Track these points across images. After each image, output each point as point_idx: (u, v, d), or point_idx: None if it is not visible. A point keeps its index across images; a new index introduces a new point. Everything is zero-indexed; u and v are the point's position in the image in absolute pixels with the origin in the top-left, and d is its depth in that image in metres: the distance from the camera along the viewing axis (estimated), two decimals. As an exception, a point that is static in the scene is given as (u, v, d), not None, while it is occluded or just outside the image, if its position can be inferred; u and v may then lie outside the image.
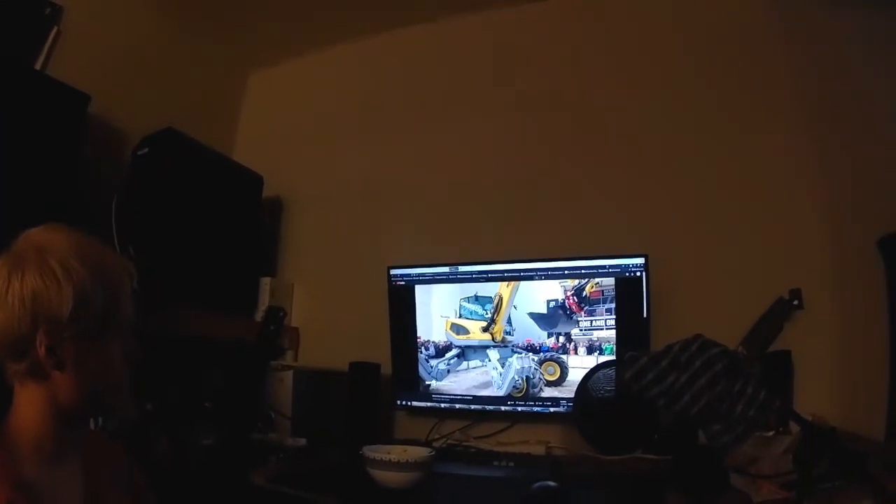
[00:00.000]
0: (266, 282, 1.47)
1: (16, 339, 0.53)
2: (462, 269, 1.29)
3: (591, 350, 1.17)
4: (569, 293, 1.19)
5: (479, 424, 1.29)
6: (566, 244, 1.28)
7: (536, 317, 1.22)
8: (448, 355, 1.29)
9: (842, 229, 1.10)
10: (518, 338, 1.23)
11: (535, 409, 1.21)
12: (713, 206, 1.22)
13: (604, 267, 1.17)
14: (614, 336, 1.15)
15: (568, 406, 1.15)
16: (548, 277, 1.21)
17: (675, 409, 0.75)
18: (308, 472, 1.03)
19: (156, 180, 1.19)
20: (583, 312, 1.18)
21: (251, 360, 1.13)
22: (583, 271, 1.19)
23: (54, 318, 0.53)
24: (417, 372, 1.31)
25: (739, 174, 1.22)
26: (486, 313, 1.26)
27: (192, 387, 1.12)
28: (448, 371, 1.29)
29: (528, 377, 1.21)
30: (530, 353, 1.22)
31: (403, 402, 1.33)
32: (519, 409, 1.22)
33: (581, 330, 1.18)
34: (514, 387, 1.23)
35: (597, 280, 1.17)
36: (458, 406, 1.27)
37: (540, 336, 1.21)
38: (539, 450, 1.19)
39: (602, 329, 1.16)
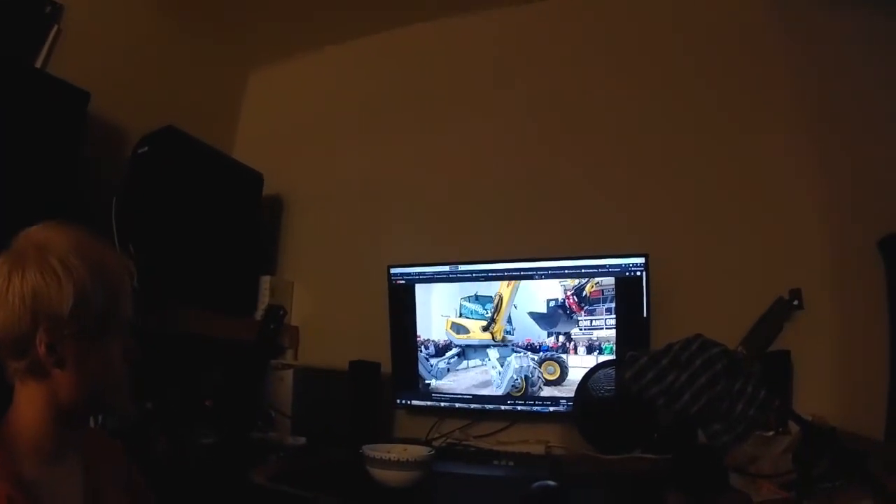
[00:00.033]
0: (266, 280, 1.47)
1: (16, 338, 0.53)
2: (462, 268, 1.29)
3: (590, 349, 1.17)
4: (569, 293, 1.19)
5: (478, 423, 1.29)
6: (566, 244, 1.28)
7: (536, 316, 1.22)
8: (448, 354, 1.29)
9: (842, 229, 1.10)
10: (518, 337, 1.23)
11: (535, 408, 1.21)
12: (713, 206, 1.23)
13: (604, 266, 1.17)
14: (614, 335, 1.15)
15: (567, 405, 1.15)
16: (548, 277, 1.21)
17: (675, 408, 0.75)
18: (308, 470, 1.03)
19: (156, 179, 1.19)
20: (583, 312, 1.18)
21: (251, 359, 1.13)
22: (583, 271, 1.19)
23: (55, 315, 0.53)
24: (417, 371, 1.31)
25: (739, 174, 1.22)
26: (487, 313, 1.26)
27: (191, 386, 1.12)
28: (448, 370, 1.29)
29: (526, 376, 1.22)
30: (530, 353, 1.22)
31: (403, 401, 1.33)
32: (518, 408, 1.22)
33: (581, 329, 1.18)
34: (512, 386, 1.23)
35: (597, 279, 1.17)
36: (457, 405, 1.27)
37: (540, 335, 1.21)
38: (539, 449, 1.19)
39: (602, 329, 1.16)
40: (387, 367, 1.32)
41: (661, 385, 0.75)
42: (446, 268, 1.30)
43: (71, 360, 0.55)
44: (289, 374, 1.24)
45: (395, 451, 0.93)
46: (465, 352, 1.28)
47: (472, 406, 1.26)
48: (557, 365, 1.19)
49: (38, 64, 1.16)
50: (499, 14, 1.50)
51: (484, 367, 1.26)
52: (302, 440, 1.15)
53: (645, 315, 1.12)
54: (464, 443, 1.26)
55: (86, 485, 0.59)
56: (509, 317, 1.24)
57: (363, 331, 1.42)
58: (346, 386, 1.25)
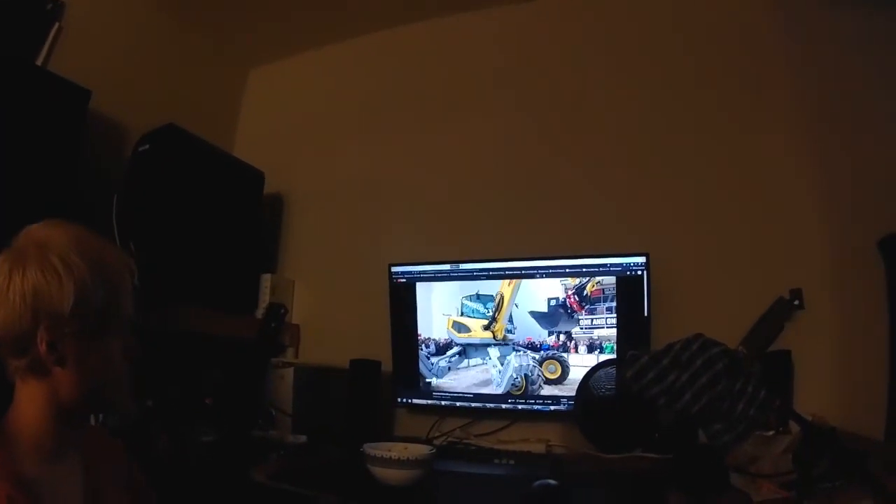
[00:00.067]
0: (267, 279, 1.47)
1: (17, 336, 0.53)
2: (463, 266, 1.29)
3: (591, 349, 1.17)
4: (570, 292, 1.19)
5: (479, 422, 1.29)
6: (567, 243, 1.28)
7: (537, 315, 1.22)
8: (449, 353, 1.29)
9: (842, 229, 1.10)
10: (519, 336, 1.23)
11: (536, 407, 1.21)
12: (714, 206, 1.23)
13: (605, 265, 1.17)
14: (615, 335, 1.15)
15: (568, 404, 1.15)
16: (549, 276, 1.21)
17: (675, 407, 0.75)
18: (308, 469, 1.03)
19: (156, 177, 1.18)
20: (584, 311, 1.18)
21: (252, 357, 1.13)
22: (584, 270, 1.19)
23: (55, 313, 0.53)
24: (418, 369, 1.31)
25: (740, 174, 1.22)
26: (488, 311, 1.26)
27: (192, 384, 1.12)
28: (449, 368, 1.29)
29: (526, 375, 1.22)
30: (530, 352, 1.22)
31: (404, 400, 1.33)
32: (519, 407, 1.22)
33: (582, 328, 1.18)
34: (512, 384, 1.23)
35: (598, 279, 1.17)
36: (458, 404, 1.27)
37: (541, 334, 1.21)
38: (539, 448, 1.19)
39: (603, 328, 1.17)
40: (387, 365, 1.32)
41: (662, 384, 0.76)
42: (447, 266, 1.30)
43: (72, 359, 0.55)
44: (289, 373, 1.24)
45: (396, 450, 0.93)
46: (466, 350, 1.28)
47: (473, 405, 1.26)
48: (559, 364, 1.19)
49: (39, 62, 1.16)
50: (499, 13, 1.50)
51: (485, 366, 1.26)
52: (302, 438, 1.15)
53: (646, 314, 1.13)
54: (464, 441, 1.26)
55: (86, 483, 0.59)
56: (510, 316, 1.24)
57: (364, 329, 1.42)
58: (346, 384, 1.25)
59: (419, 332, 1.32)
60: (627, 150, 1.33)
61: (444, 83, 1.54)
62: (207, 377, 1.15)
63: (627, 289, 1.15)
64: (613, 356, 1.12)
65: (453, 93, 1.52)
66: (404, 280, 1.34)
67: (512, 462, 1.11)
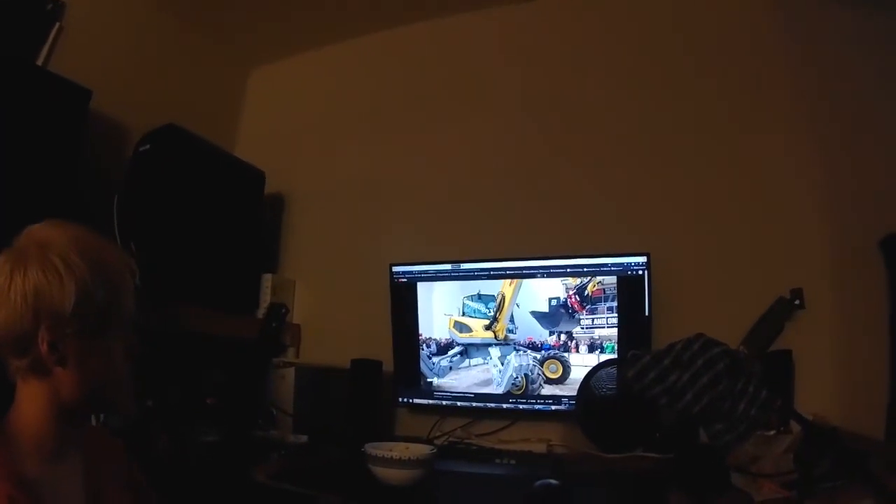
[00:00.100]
0: (268, 278, 1.47)
1: (18, 336, 0.53)
2: (464, 266, 1.29)
3: (592, 348, 1.17)
4: (571, 292, 1.20)
5: (480, 422, 1.29)
6: (568, 243, 1.28)
7: (539, 315, 1.22)
8: (451, 352, 1.29)
9: (843, 229, 1.10)
10: (520, 336, 1.23)
11: (537, 406, 1.21)
12: (714, 206, 1.23)
13: (606, 265, 1.17)
14: (616, 334, 1.15)
15: (569, 404, 1.15)
16: (550, 275, 1.21)
17: (677, 407, 0.75)
18: (309, 468, 1.03)
19: (157, 177, 1.18)
20: (584, 311, 1.18)
21: (253, 357, 1.13)
22: (585, 269, 1.19)
23: (56, 313, 0.53)
24: (419, 369, 1.31)
25: (740, 174, 1.22)
26: (489, 311, 1.26)
27: (193, 384, 1.12)
28: (450, 368, 1.29)
29: (526, 374, 1.22)
30: (531, 351, 1.22)
31: (405, 400, 1.33)
32: (520, 406, 1.22)
33: (583, 328, 1.18)
34: (513, 384, 1.23)
35: (599, 278, 1.17)
36: (459, 403, 1.27)
37: (542, 334, 1.21)
38: (540, 448, 1.19)
39: (604, 327, 1.17)
40: (388, 365, 1.32)
41: (664, 384, 0.75)
42: (448, 266, 1.30)
43: (73, 358, 0.55)
44: (290, 373, 1.24)
45: (397, 450, 0.94)
46: (467, 350, 1.28)
47: (474, 404, 1.26)
48: (560, 364, 1.19)
49: (40, 62, 1.16)
50: (499, 13, 1.50)
51: (486, 366, 1.26)
52: (303, 438, 1.15)
53: (646, 314, 1.13)
54: (465, 441, 1.26)
55: (87, 483, 0.59)
56: (511, 315, 1.24)
57: (365, 329, 1.42)
58: (347, 384, 1.25)
59: (420, 331, 1.32)
60: (628, 149, 1.33)
61: (445, 83, 1.54)
62: (208, 377, 1.15)
63: (628, 288, 1.15)
64: (614, 356, 1.12)
65: (454, 92, 1.52)
66: (405, 280, 1.34)
67: (513, 462, 1.12)
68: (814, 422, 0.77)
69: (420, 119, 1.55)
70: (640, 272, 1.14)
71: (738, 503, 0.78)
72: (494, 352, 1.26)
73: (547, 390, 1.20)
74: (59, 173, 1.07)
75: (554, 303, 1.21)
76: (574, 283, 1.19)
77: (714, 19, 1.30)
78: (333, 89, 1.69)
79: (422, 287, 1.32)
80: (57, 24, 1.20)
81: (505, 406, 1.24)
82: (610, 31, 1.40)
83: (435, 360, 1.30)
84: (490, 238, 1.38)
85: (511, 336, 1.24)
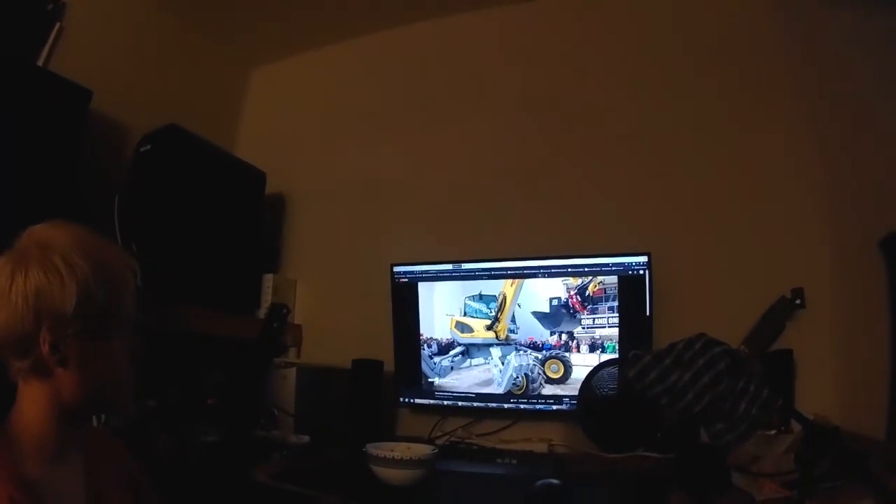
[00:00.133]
0: (269, 279, 1.47)
1: (19, 337, 0.53)
2: (465, 266, 1.29)
3: (593, 348, 1.17)
4: (572, 292, 1.20)
5: (481, 422, 1.29)
6: (569, 243, 1.28)
7: (540, 316, 1.22)
8: (452, 352, 1.29)
9: (844, 229, 1.11)
10: (521, 336, 1.23)
11: (538, 406, 1.21)
12: (715, 206, 1.23)
13: (607, 265, 1.17)
14: (617, 334, 1.15)
15: (570, 404, 1.15)
16: (551, 275, 1.21)
17: (678, 407, 0.75)
18: (311, 469, 1.03)
19: (158, 177, 1.18)
20: (586, 311, 1.18)
21: (254, 357, 1.13)
22: (586, 269, 1.19)
23: (58, 314, 0.53)
24: (420, 369, 1.31)
25: (740, 174, 1.22)
26: (491, 312, 1.26)
27: (194, 384, 1.12)
28: (452, 368, 1.29)
29: (527, 374, 1.22)
30: (532, 351, 1.22)
31: (406, 400, 1.33)
32: (521, 406, 1.22)
33: (583, 328, 1.18)
34: (513, 384, 1.23)
35: (600, 278, 1.17)
36: (460, 403, 1.27)
37: (543, 334, 1.21)
38: (541, 447, 1.19)
39: (605, 327, 1.17)
40: (389, 365, 1.32)
41: (665, 384, 0.75)
42: (449, 266, 1.30)
43: (74, 359, 0.55)
44: (292, 373, 1.24)
45: (399, 450, 0.94)
46: (468, 350, 1.28)
47: (475, 404, 1.26)
48: (561, 363, 1.20)
49: (40, 62, 1.16)
50: (499, 13, 1.50)
51: (487, 366, 1.26)
52: (305, 438, 1.15)
53: (647, 314, 1.13)
54: (466, 441, 1.26)
55: (88, 484, 0.59)
56: (513, 316, 1.24)
57: (366, 329, 1.42)
58: (348, 384, 1.25)
59: (421, 331, 1.32)
60: (628, 149, 1.33)
61: (445, 83, 1.54)
62: (209, 377, 1.15)
63: (629, 288, 1.15)
64: (615, 356, 1.12)
65: (454, 92, 1.52)
66: (406, 280, 1.34)
67: (514, 462, 1.12)
68: (815, 421, 0.77)
69: (420, 119, 1.55)
70: (641, 272, 1.14)
71: (738, 503, 0.78)
72: (495, 352, 1.26)
73: (548, 390, 1.20)
74: (60, 174, 1.07)
75: (555, 303, 1.21)
76: (575, 283, 1.19)
77: (714, 19, 1.30)
78: (334, 89, 1.69)
79: (423, 287, 1.32)
80: (57, 25, 1.20)
81: (506, 406, 1.24)
82: (610, 31, 1.40)
83: (436, 359, 1.30)
84: (490, 238, 1.38)
85: (512, 336, 1.24)
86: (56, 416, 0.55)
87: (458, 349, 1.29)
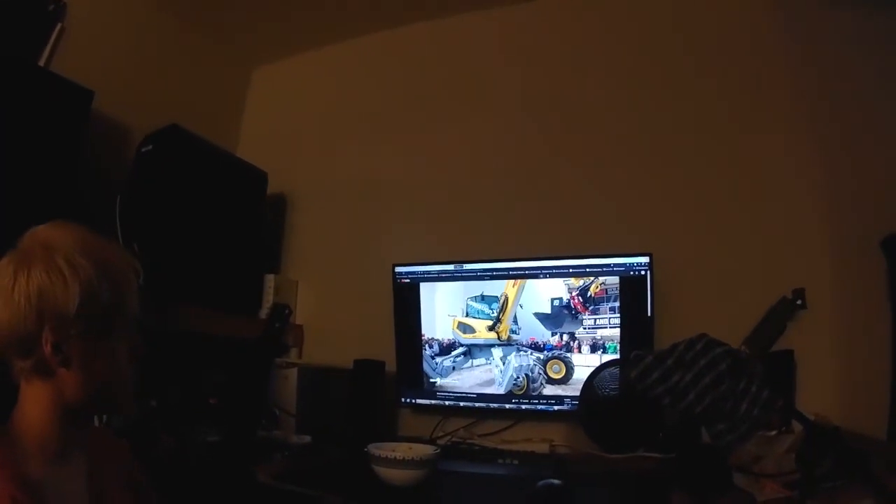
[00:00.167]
0: (270, 279, 1.47)
1: (22, 337, 0.53)
2: (467, 266, 1.29)
3: (594, 348, 1.17)
4: (574, 293, 1.20)
5: (482, 422, 1.29)
6: (571, 243, 1.28)
7: (542, 317, 1.22)
8: (454, 353, 1.29)
9: (845, 229, 1.11)
10: (523, 336, 1.23)
11: (540, 407, 1.21)
12: (716, 206, 1.23)
13: (608, 265, 1.17)
14: (618, 335, 1.15)
15: (572, 404, 1.16)
16: (552, 276, 1.21)
17: (679, 407, 0.75)
18: (313, 469, 1.03)
19: (160, 177, 1.18)
20: (587, 312, 1.18)
21: (256, 358, 1.13)
22: (587, 270, 1.19)
23: (60, 314, 0.53)
24: (422, 369, 1.31)
25: (740, 174, 1.23)
26: (493, 312, 1.26)
27: (195, 384, 1.12)
28: (453, 368, 1.29)
29: (527, 374, 1.22)
30: (534, 352, 1.22)
31: (407, 400, 1.33)
32: (523, 407, 1.22)
33: (585, 328, 1.18)
34: (514, 384, 1.23)
35: (601, 279, 1.17)
36: (462, 404, 1.28)
37: (544, 335, 1.22)
38: (543, 448, 1.19)
39: (606, 328, 1.17)
40: (391, 365, 1.32)
41: (666, 384, 0.76)
42: (451, 266, 1.30)
43: (77, 360, 0.55)
44: (293, 373, 1.24)
45: (400, 450, 0.94)
46: (470, 350, 1.28)
47: (477, 405, 1.26)
48: (563, 364, 1.20)
49: (42, 62, 1.16)
50: (499, 13, 1.50)
51: (488, 366, 1.27)
52: (306, 439, 1.15)
53: (649, 314, 1.13)
54: (468, 441, 1.26)
55: (91, 484, 0.59)
56: (515, 316, 1.24)
57: (367, 329, 1.42)
58: (349, 384, 1.25)
59: (423, 332, 1.32)
60: (628, 150, 1.33)
61: (445, 83, 1.54)
62: (211, 377, 1.15)
63: (631, 289, 1.15)
64: (617, 356, 1.12)
65: (454, 92, 1.53)
66: (408, 280, 1.34)
67: (516, 462, 1.12)
68: (815, 422, 0.77)
69: (421, 119, 1.55)
70: (643, 272, 1.14)
71: (740, 503, 0.78)
72: (497, 352, 1.26)
73: (549, 390, 1.20)
74: (61, 174, 1.07)
75: (556, 303, 1.21)
76: (577, 284, 1.19)
77: (714, 19, 1.30)
78: (335, 89, 1.69)
79: (424, 287, 1.32)
80: (58, 25, 1.20)
81: (508, 406, 1.24)
82: (610, 31, 1.41)
83: (438, 360, 1.31)
84: (490, 238, 1.39)
85: (514, 337, 1.24)
86: (59, 417, 0.55)
87: (461, 349, 1.29)
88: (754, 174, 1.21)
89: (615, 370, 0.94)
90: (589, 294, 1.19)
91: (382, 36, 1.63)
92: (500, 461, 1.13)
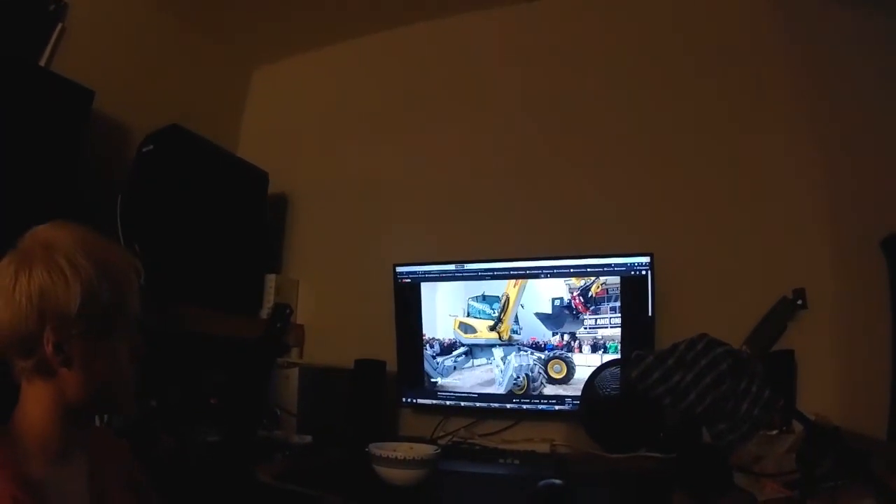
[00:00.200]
0: (271, 279, 1.47)
1: (23, 337, 0.53)
2: (468, 266, 1.29)
3: (595, 348, 1.17)
4: (575, 293, 1.20)
5: (484, 422, 1.29)
6: (571, 244, 1.28)
7: (543, 317, 1.22)
8: (455, 353, 1.29)
9: (845, 229, 1.11)
10: (524, 336, 1.24)
11: (540, 407, 1.21)
12: (716, 206, 1.23)
13: (609, 265, 1.17)
14: (619, 334, 1.15)
15: (573, 404, 1.16)
16: (553, 276, 1.22)
17: (680, 407, 0.75)
18: (313, 469, 1.03)
19: (161, 177, 1.18)
20: (588, 312, 1.18)
21: (257, 358, 1.13)
22: (588, 270, 1.19)
23: (62, 314, 0.53)
24: (423, 369, 1.31)
25: (741, 174, 1.23)
26: (494, 312, 1.26)
27: (196, 384, 1.12)
28: (455, 368, 1.29)
29: (528, 374, 1.22)
30: (535, 352, 1.22)
31: (408, 400, 1.33)
32: (524, 406, 1.22)
33: (586, 328, 1.18)
34: (514, 384, 1.23)
35: (602, 279, 1.18)
36: (463, 404, 1.28)
37: (545, 335, 1.22)
38: (544, 448, 1.19)
39: (607, 327, 1.17)
40: (392, 365, 1.32)
41: (667, 384, 0.76)
42: (452, 266, 1.30)
43: (78, 359, 0.55)
44: (294, 373, 1.24)
45: (401, 450, 0.94)
46: (472, 351, 1.28)
47: (478, 404, 1.26)
48: (564, 364, 1.20)
49: (42, 62, 1.16)
50: (499, 13, 1.50)
51: (489, 366, 1.27)
52: (307, 438, 1.15)
53: (650, 314, 1.13)
54: (469, 441, 1.26)
55: (92, 484, 0.59)
56: (516, 316, 1.25)
57: (368, 329, 1.42)
58: (350, 384, 1.25)
59: (424, 332, 1.32)
60: (629, 150, 1.33)
61: (445, 83, 1.54)
62: (212, 377, 1.15)
63: (631, 289, 1.15)
64: (618, 356, 1.12)
65: (454, 92, 1.53)
66: (409, 280, 1.34)
67: (517, 462, 1.12)
68: (816, 422, 0.77)
69: (421, 119, 1.55)
70: (644, 272, 1.14)
71: (740, 503, 0.78)
72: (497, 352, 1.26)
73: (550, 390, 1.20)
74: (62, 174, 1.07)
75: (557, 303, 1.21)
76: (578, 284, 1.20)
77: (714, 19, 1.30)
78: (336, 89, 1.69)
79: (425, 287, 1.32)
80: (59, 25, 1.20)
81: (508, 406, 1.24)
82: (610, 31, 1.41)
83: (439, 360, 1.31)
84: (491, 238, 1.39)
85: (515, 337, 1.24)
86: (60, 416, 0.55)
87: (462, 349, 1.29)
88: (754, 174, 1.21)
89: (616, 370, 0.94)
90: (590, 294, 1.19)
91: (382, 36, 1.64)
92: (501, 461, 1.13)
